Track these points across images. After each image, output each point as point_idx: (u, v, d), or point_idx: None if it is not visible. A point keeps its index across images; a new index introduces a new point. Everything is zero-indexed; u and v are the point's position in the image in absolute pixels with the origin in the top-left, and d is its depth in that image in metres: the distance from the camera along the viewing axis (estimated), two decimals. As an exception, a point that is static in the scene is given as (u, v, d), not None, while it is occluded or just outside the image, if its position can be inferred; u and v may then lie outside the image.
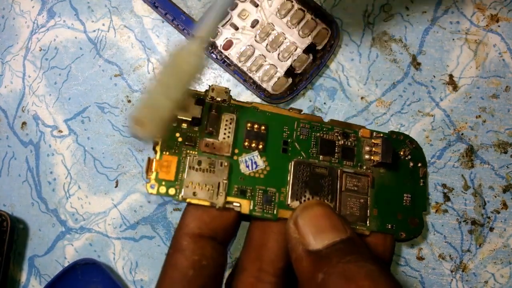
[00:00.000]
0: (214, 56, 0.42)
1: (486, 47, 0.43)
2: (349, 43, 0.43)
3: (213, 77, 0.43)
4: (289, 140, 0.36)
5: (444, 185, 0.42)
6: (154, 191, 0.34)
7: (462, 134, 0.42)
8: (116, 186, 0.43)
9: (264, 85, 0.41)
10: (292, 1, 0.42)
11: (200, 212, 0.34)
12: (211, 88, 0.36)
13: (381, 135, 0.37)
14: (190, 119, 0.35)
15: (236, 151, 0.36)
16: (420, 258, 0.42)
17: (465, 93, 0.43)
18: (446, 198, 0.42)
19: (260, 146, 0.36)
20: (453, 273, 0.42)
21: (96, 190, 0.43)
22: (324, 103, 0.43)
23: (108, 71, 0.44)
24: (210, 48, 0.42)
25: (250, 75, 0.41)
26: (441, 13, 0.43)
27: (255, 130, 0.36)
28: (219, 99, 0.36)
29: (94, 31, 0.44)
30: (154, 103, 0.31)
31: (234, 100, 0.36)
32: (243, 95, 0.43)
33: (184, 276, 0.32)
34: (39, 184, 0.44)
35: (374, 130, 0.37)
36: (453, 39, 0.43)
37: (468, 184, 0.42)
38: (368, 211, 0.36)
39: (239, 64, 0.42)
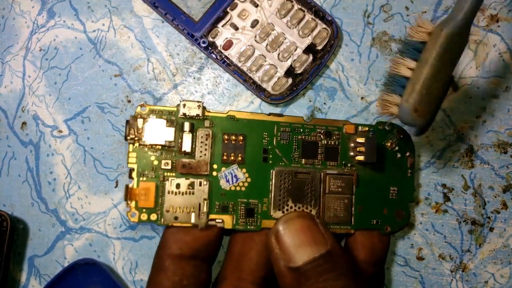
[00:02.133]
0: (214, 56, 0.42)
1: (486, 47, 0.43)
2: (349, 43, 0.43)
3: (213, 77, 0.43)
4: (269, 147, 0.36)
5: (444, 185, 0.42)
6: (136, 219, 0.34)
7: (462, 134, 0.42)
8: (116, 186, 0.43)
9: (264, 85, 0.41)
10: (292, 1, 0.42)
11: (181, 233, 0.34)
12: (182, 104, 0.35)
13: (367, 129, 0.37)
14: (163, 143, 0.34)
15: (215, 166, 0.35)
16: (420, 258, 0.42)
17: (465, 93, 0.43)
18: (446, 198, 0.42)
19: (239, 158, 0.35)
20: (453, 273, 0.42)
21: (96, 190, 0.43)
22: (324, 103, 0.43)
23: (108, 71, 0.44)
24: (209, 48, 0.42)
25: (250, 75, 0.41)
26: (441, 13, 0.43)
27: (232, 142, 0.36)
28: (192, 114, 0.35)
29: (94, 31, 0.44)
30: (427, 88, 0.31)
31: (208, 111, 0.36)
32: (243, 95, 0.43)
33: None
34: (39, 184, 0.44)
35: (360, 124, 0.37)
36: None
37: (468, 184, 0.42)
38: (353, 209, 0.36)
39: (239, 64, 0.42)
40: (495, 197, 0.42)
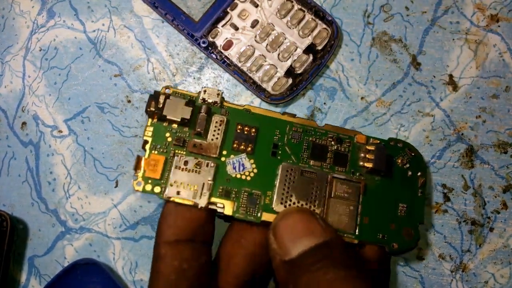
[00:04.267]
0: (214, 56, 0.42)
1: (486, 47, 0.43)
2: (349, 43, 0.43)
3: (213, 77, 0.43)
4: (279, 144, 0.36)
5: (444, 185, 0.42)
6: (140, 188, 0.35)
7: (462, 134, 0.42)
8: (116, 186, 0.43)
9: (264, 85, 0.41)
10: (292, 1, 0.42)
11: (173, 218, 0.34)
12: (203, 90, 0.36)
13: (378, 142, 0.37)
14: (179, 120, 0.35)
15: (225, 152, 0.36)
16: (420, 258, 0.42)
17: (465, 93, 0.43)
18: (446, 198, 0.42)
19: (249, 149, 0.36)
20: (453, 273, 0.42)
21: (96, 190, 0.43)
22: (324, 103, 0.43)
23: (108, 71, 0.44)
24: (209, 48, 0.42)
25: (250, 75, 0.41)
26: (441, 13, 0.43)
27: (245, 132, 0.36)
28: (210, 100, 0.36)
29: (94, 31, 0.44)
30: None
31: (227, 102, 0.37)
32: (243, 95, 0.43)
33: (167, 282, 0.33)
34: (39, 184, 0.44)
35: (371, 136, 0.37)
36: (453, 39, 0.43)
37: (468, 184, 0.42)
38: (358, 219, 0.36)
39: (239, 64, 0.42)
40: (495, 197, 0.42)
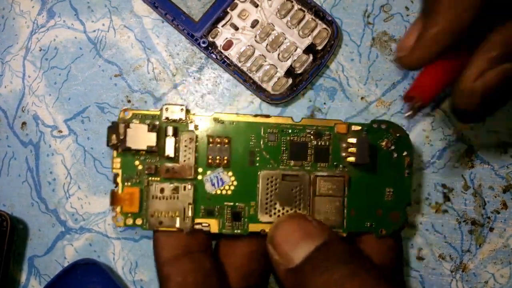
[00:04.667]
0: (214, 56, 0.42)
1: (486, 47, 0.43)
2: (349, 43, 0.43)
3: (213, 78, 0.43)
4: (256, 149, 0.35)
5: (444, 185, 0.42)
6: (121, 223, 0.34)
7: (462, 134, 0.42)
8: (116, 186, 0.43)
9: (264, 86, 0.41)
10: (292, 1, 0.42)
11: (165, 238, 0.34)
12: (165, 108, 0.35)
13: (360, 128, 0.36)
14: (145, 149, 0.34)
15: (200, 170, 0.35)
16: (420, 258, 0.42)
17: (465, 93, 0.43)
18: (446, 198, 0.42)
19: (225, 161, 0.35)
20: (453, 273, 0.42)
21: (96, 190, 0.43)
22: (324, 103, 0.43)
23: (108, 71, 0.44)
24: (209, 48, 0.42)
25: (250, 75, 0.41)
26: (441, 13, 0.43)
27: (217, 145, 0.35)
28: (175, 117, 0.35)
29: (94, 31, 0.44)
30: None
31: (193, 114, 0.35)
32: (243, 95, 0.43)
33: None
34: (39, 184, 0.44)
35: (353, 123, 0.36)
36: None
37: (468, 184, 0.42)
38: (345, 212, 0.35)
39: (239, 65, 0.42)
40: (495, 197, 0.42)
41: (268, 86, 0.41)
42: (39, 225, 0.43)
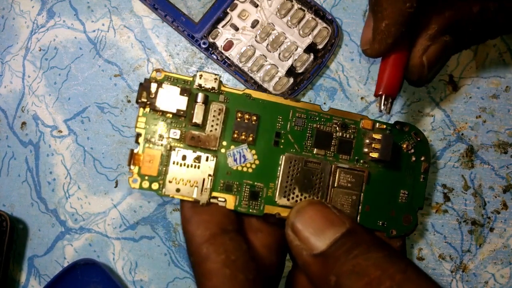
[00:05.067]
0: (214, 57, 0.42)
1: (486, 47, 0.43)
2: (349, 43, 0.43)
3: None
4: (282, 132, 0.35)
5: (444, 185, 0.42)
6: (137, 185, 0.33)
7: (462, 134, 0.42)
8: (116, 186, 0.43)
9: (265, 85, 0.41)
10: (292, 1, 0.42)
11: (198, 216, 0.33)
12: (199, 75, 0.34)
13: (384, 127, 0.36)
14: (174, 111, 0.33)
15: (224, 143, 0.34)
16: (420, 258, 0.42)
17: (465, 93, 0.43)
18: (446, 198, 0.42)
19: (250, 139, 0.34)
20: (453, 273, 0.42)
21: (96, 190, 0.43)
22: (324, 103, 0.43)
23: (108, 71, 0.44)
24: (210, 49, 0.42)
25: (251, 75, 0.41)
26: (441, 13, 0.43)
27: (245, 121, 0.34)
28: (207, 86, 0.34)
29: (94, 31, 0.44)
30: None
31: (225, 86, 0.34)
32: (243, 95, 0.43)
33: (223, 277, 0.31)
34: (38, 184, 0.43)
35: (378, 121, 0.36)
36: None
37: (468, 184, 0.42)
38: (360, 207, 0.35)
39: (240, 65, 0.41)
40: (495, 197, 0.42)
41: (270, 86, 0.41)
42: (39, 225, 0.43)
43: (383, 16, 0.31)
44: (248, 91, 0.35)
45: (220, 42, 0.42)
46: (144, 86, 0.33)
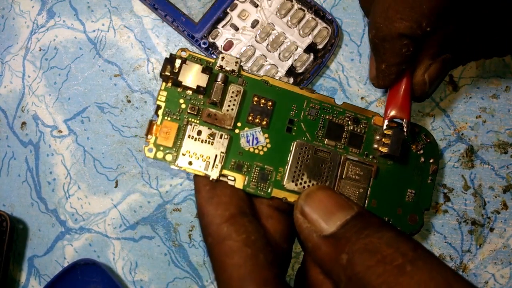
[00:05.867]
0: (214, 57, 0.42)
1: (486, 47, 0.43)
2: (349, 43, 0.43)
3: (213, 77, 0.43)
4: (295, 119, 0.36)
5: (444, 185, 0.42)
6: (152, 155, 0.34)
7: (462, 134, 0.42)
8: (116, 186, 0.43)
9: (264, 85, 0.41)
10: (292, 1, 0.42)
11: (216, 198, 0.34)
12: (221, 57, 0.35)
13: (395, 125, 0.36)
14: (194, 87, 0.34)
15: (239, 124, 0.35)
16: (420, 258, 0.42)
17: (465, 93, 0.43)
18: (446, 198, 0.42)
19: (264, 122, 0.35)
20: (453, 273, 0.42)
21: (96, 190, 0.43)
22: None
23: (108, 71, 0.44)
24: (210, 49, 0.42)
25: (251, 75, 0.41)
26: (441, 13, 0.43)
27: (261, 105, 0.36)
28: (228, 68, 0.35)
29: (94, 31, 0.44)
30: None
31: (245, 71, 0.36)
32: (243, 95, 0.43)
33: (245, 256, 0.31)
34: (38, 184, 0.43)
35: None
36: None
37: (468, 184, 0.42)
38: (366, 201, 0.36)
39: (240, 64, 0.42)
40: (495, 197, 0.42)
41: (269, 86, 0.41)
42: (39, 225, 0.43)
43: (382, 59, 0.35)
44: (266, 77, 0.36)
45: (220, 42, 0.42)
46: (169, 60, 0.34)
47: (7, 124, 0.44)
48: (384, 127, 0.35)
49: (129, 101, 0.44)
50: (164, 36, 0.44)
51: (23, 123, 0.44)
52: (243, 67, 0.41)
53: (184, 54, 0.35)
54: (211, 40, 0.42)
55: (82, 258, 0.42)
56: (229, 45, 0.42)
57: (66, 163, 0.43)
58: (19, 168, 0.44)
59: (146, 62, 0.44)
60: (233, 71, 0.35)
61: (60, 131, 0.44)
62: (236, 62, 0.35)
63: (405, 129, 0.35)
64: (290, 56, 0.41)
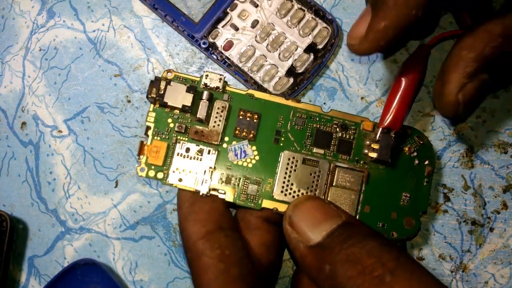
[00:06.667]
0: (214, 57, 0.42)
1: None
2: (349, 43, 0.43)
3: (213, 77, 0.43)
4: (282, 130, 0.36)
5: (444, 185, 0.42)
6: (144, 174, 0.36)
7: (462, 134, 0.42)
8: (116, 186, 0.43)
9: (265, 85, 0.41)
10: (292, 1, 0.42)
11: (194, 215, 0.35)
12: (205, 75, 0.36)
13: (385, 130, 0.36)
14: (180, 107, 0.36)
15: (226, 138, 0.36)
16: (420, 259, 0.42)
17: (465, 93, 0.43)
18: (446, 198, 0.42)
19: (251, 135, 0.36)
20: (453, 273, 0.42)
21: (96, 190, 0.43)
22: (324, 103, 0.43)
23: (108, 71, 0.44)
24: (210, 49, 0.42)
25: (251, 75, 0.41)
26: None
27: (247, 118, 0.36)
28: (212, 85, 0.36)
29: (94, 31, 0.44)
30: None
31: (230, 86, 0.37)
32: (243, 95, 0.43)
33: (217, 271, 0.33)
34: (38, 184, 0.43)
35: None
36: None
37: (468, 184, 0.42)
38: (359, 207, 0.36)
39: (240, 65, 0.42)
40: (495, 197, 0.42)
41: (270, 86, 0.41)
42: (39, 225, 0.43)
43: (385, 15, 0.30)
44: (251, 91, 0.37)
45: (220, 42, 0.42)
46: (154, 83, 0.36)
47: (7, 124, 0.44)
48: (377, 137, 0.35)
49: (129, 101, 0.44)
50: (164, 36, 0.44)
51: (23, 123, 0.44)
52: (242, 67, 0.41)
53: (170, 75, 0.37)
54: (211, 40, 0.42)
55: (82, 258, 0.42)
56: (229, 45, 0.42)
57: (66, 163, 0.43)
58: (19, 168, 0.44)
59: (146, 62, 0.44)
60: (217, 87, 0.37)
61: (60, 131, 0.44)
62: (220, 79, 0.37)
63: (392, 140, 0.35)
64: (290, 56, 0.41)
